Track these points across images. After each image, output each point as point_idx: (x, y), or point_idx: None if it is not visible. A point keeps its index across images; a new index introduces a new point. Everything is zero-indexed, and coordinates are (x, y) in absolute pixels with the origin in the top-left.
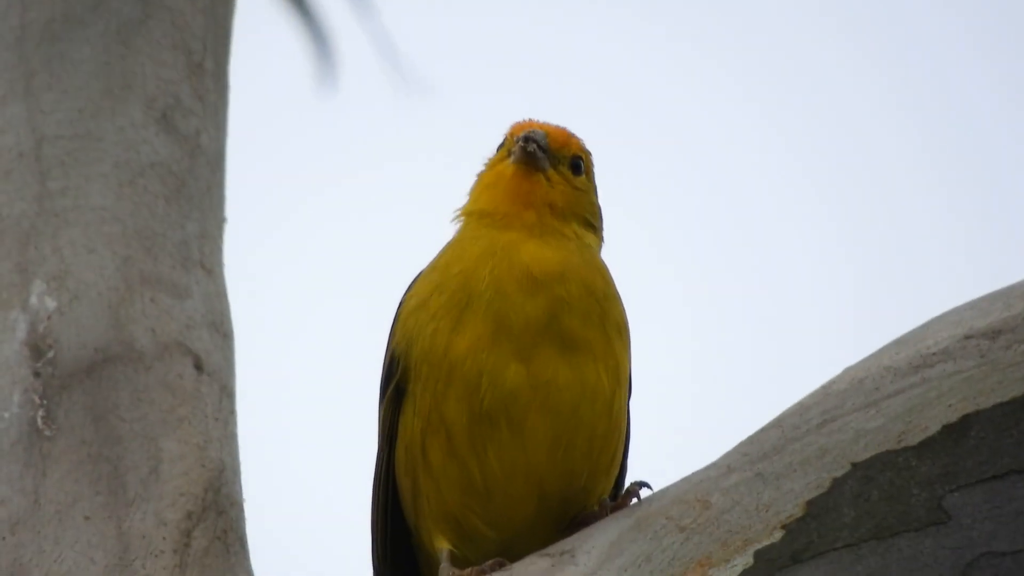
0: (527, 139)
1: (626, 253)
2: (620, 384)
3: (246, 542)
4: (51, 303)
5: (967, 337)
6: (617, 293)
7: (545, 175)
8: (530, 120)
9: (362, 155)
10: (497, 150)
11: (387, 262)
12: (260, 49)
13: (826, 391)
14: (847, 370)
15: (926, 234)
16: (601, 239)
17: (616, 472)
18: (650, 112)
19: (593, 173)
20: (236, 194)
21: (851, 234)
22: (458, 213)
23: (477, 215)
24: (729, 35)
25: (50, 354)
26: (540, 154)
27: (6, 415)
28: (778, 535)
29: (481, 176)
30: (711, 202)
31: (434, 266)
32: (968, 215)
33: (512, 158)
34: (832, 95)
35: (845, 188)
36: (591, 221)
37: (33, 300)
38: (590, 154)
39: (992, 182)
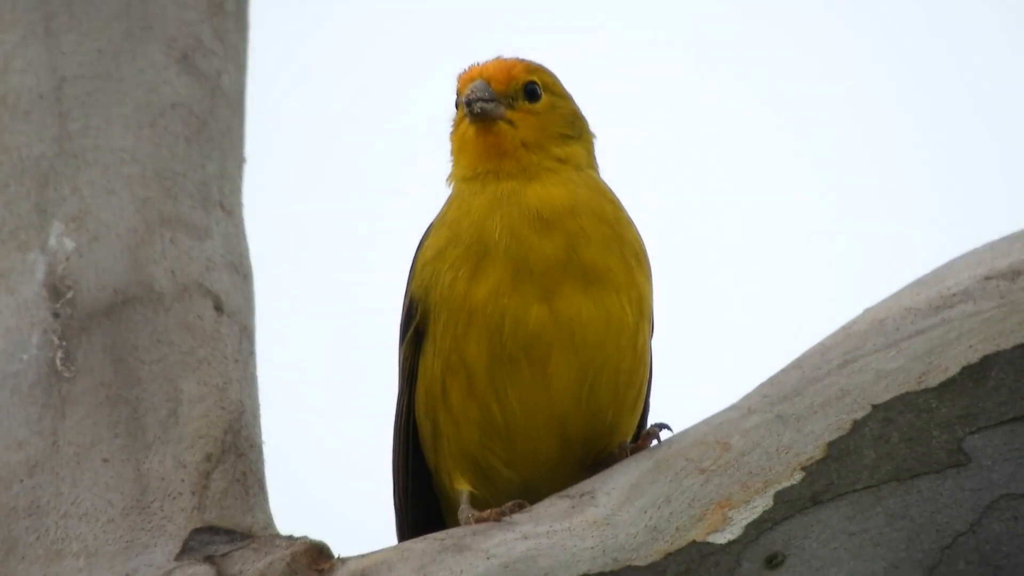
0: (469, 102)
1: (647, 193)
2: (644, 317)
3: (265, 484)
4: (70, 244)
5: (987, 278)
6: (628, 216)
7: (505, 120)
8: (471, 68)
9: (379, 94)
10: (456, 107)
11: (407, 200)
12: None
13: (847, 332)
14: (867, 311)
15: (947, 174)
16: (589, 137)
17: (641, 409)
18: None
19: (554, 81)
20: (256, 134)
21: (872, 175)
22: (448, 179)
23: (465, 179)
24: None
25: (69, 295)
26: (489, 107)
27: (25, 357)
28: (798, 477)
29: (451, 139)
30: (731, 141)
31: (442, 221)
32: (989, 155)
33: (469, 118)
34: (861, 30)
35: (866, 130)
36: (568, 132)
37: (52, 241)
38: (541, 68)
39: (1017, 121)
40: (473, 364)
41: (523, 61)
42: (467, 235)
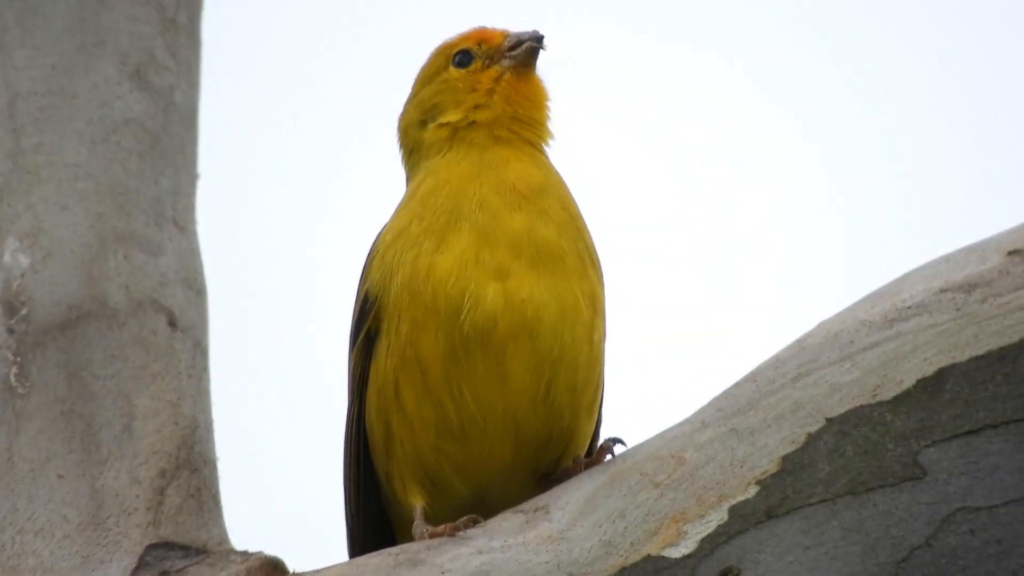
0: (536, 38)
1: (601, 199)
2: (597, 314)
3: (219, 499)
4: (24, 260)
5: (943, 290)
6: (584, 218)
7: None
8: (479, 29)
9: (333, 109)
10: (456, 66)
11: (360, 217)
12: (232, 3)
13: (801, 345)
14: (822, 324)
15: (902, 186)
16: None
17: (597, 412)
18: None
19: None
20: (209, 150)
21: (829, 186)
22: (459, 121)
23: (489, 124)
24: None
25: (23, 311)
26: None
27: None
28: (753, 491)
29: (459, 90)
30: (686, 143)
31: (411, 196)
32: (944, 167)
33: (513, 62)
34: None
35: (827, 139)
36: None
37: (7, 257)
38: None
39: (973, 130)
40: (428, 359)
41: None
42: (441, 205)
